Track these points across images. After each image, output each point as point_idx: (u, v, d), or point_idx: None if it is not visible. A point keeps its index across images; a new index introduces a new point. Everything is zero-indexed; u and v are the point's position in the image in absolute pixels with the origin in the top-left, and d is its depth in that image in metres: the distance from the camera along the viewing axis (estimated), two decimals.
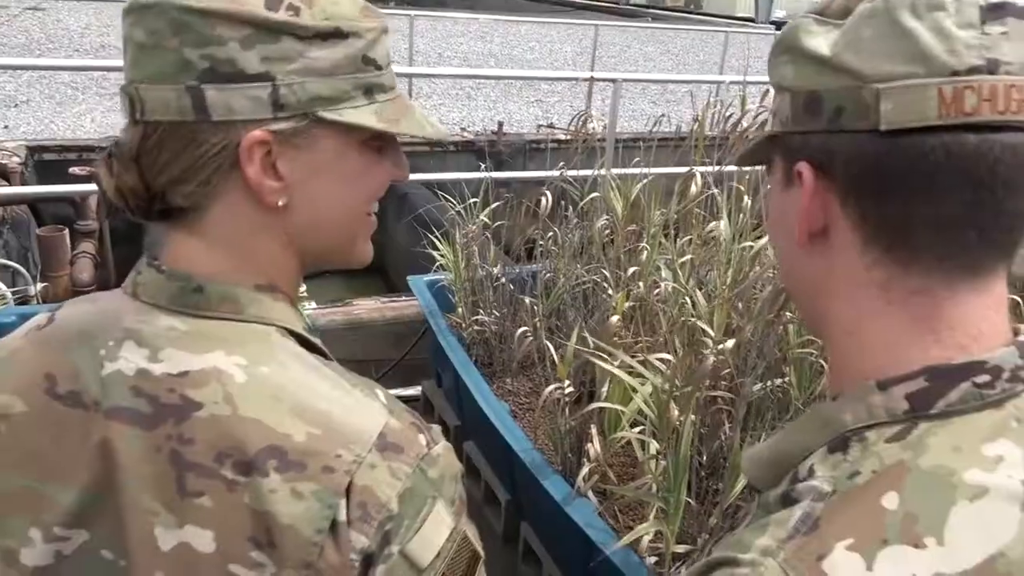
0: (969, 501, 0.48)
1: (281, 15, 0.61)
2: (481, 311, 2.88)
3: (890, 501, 0.49)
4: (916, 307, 0.54)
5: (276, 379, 0.61)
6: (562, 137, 6.25)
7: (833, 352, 0.60)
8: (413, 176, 4.64)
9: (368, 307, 3.62)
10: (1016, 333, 0.56)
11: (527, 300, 2.68)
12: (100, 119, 7.33)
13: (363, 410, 0.62)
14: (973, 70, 0.50)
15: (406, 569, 0.59)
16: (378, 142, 0.69)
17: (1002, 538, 0.48)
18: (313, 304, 3.54)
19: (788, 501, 0.52)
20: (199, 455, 0.59)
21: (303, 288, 3.65)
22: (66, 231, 4.46)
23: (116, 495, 0.60)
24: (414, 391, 3.46)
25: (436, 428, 0.66)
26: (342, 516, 0.58)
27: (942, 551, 0.47)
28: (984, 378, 0.52)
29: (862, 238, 0.55)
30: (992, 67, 0.50)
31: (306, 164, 0.64)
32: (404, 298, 3.64)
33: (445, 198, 3.14)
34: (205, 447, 0.59)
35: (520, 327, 2.59)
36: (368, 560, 0.58)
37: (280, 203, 0.64)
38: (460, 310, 2.94)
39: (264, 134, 0.62)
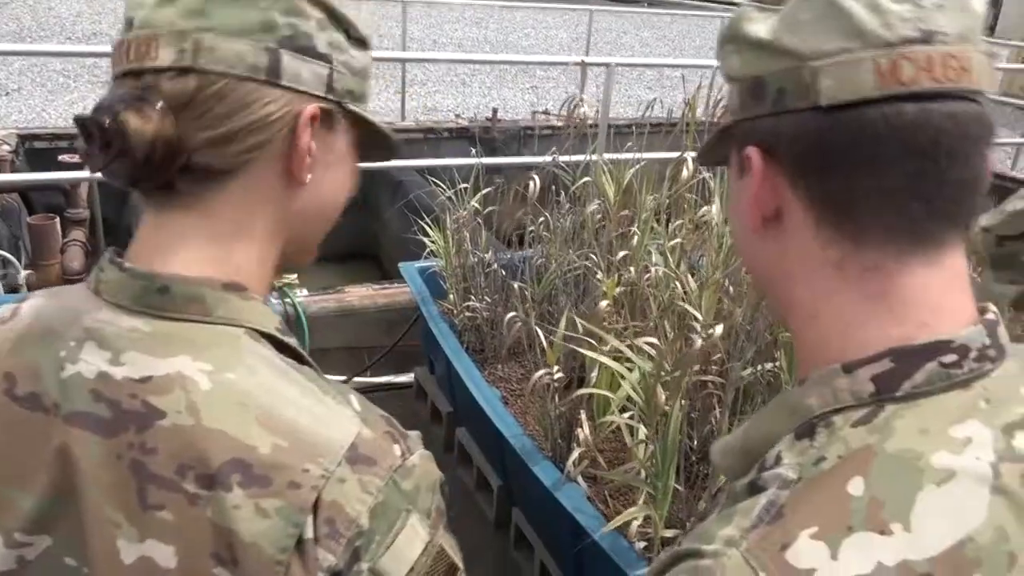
0: (937, 485, 0.47)
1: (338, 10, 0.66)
2: (472, 297, 2.87)
3: (856, 487, 0.48)
4: (869, 283, 0.54)
5: (243, 386, 0.59)
6: (557, 124, 6.22)
7: (797, 337, 0.60)
8: (406, 162, 4.62)
9: (360, 294, 3.61)
10: (983, 312, 0.55)
11: (515, 286, 2.67)
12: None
13: (334, 419, 0.60)
14: (908, 41, 0.50)
15: None
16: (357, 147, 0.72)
17: (971, 523, 0.47)
18: (305, 291, 3.52)
19: (755, 490, 0.51)
20: (161, 466, 0.57)
21: (294, 276, 3.63)
22: (57, 219, 4.43)
23: (77, 501, 0.59)
24: (407, 378, 3.46)
25: (414, 435, 0.64)
26: (309, 533, 0.56)
27: (909, 537, 0.46)
28: (951, 358, 0.51)
29: (814, 218, 0.55)
30: (927, 38, 0.50)
31: (328, 149, 0.67)
32: (396, 285, 3.62)
33: (436, 184, 3.13)
34: (167, 458, 0.57)
35: (512, 313, 2.58)
36: None
37: (307, 178, 0.66)
38: (451, 296, 2.93)
39: (317, 109, 0.65)
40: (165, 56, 0.60)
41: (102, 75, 8.15)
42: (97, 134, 0.60)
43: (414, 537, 0.59)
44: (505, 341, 2.58)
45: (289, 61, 0.63)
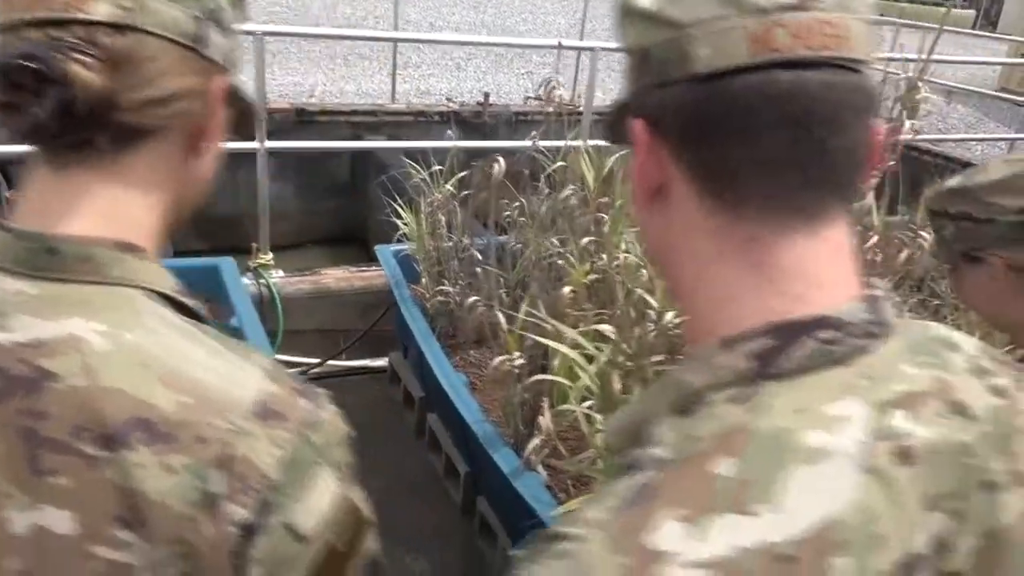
0: (808, 465, 0.45)
1: None
2: (446, 282, 2.84)
3: (727, 467, 0.46)
4: (749, 255, 0.52)
5: (142, 345, 0.57)
6: (548, 109, 6.17)
7: (684, 312, 0.58)
8: (381, 144, 4.58)
9: (336, 276, 3.58)
10: (868, 287, 0.53)
11: (481, 270, 2.64)
12: None
13: (240, 376, 0.59)
14: (783, 8, 0.49)
15: (289, 540, 0.56)
16: None
17: (839, 503, 0.45)
18: (280, 272, 3.49)
19: (630, 469, 0.49)
20: (53, 430, 0.55)
21: (269, 256, 3.58)
22: None
23: None
24: (382, 362, 3.43)
25: (322, 393, 0.63)
26: (218, 488, 0.55)
27: (775, 519, 0.44)
28: (829, 334, 0.49)
29: (696, 191, 0.53)
30: (802, 5, 0.49)
31: (219, 120, 0.69)
32: (374, 268, 3.59)
33: (414, 167, 3.09)
34: (60, 421, 0.55)
35: (484, 298, 2.56)
36: (249, 531, 0.55)
37: (211, 146, 0.69)
38: (424, 280, 2.90)
39: (227, 81, 0.67)
40: (101, 10, 0.58)
41: None
42: (31, 82, 0.56)
43: (324, 491, 0.58)
44: (469, 326, 2.55)
45: (211, 32, 0.64)
